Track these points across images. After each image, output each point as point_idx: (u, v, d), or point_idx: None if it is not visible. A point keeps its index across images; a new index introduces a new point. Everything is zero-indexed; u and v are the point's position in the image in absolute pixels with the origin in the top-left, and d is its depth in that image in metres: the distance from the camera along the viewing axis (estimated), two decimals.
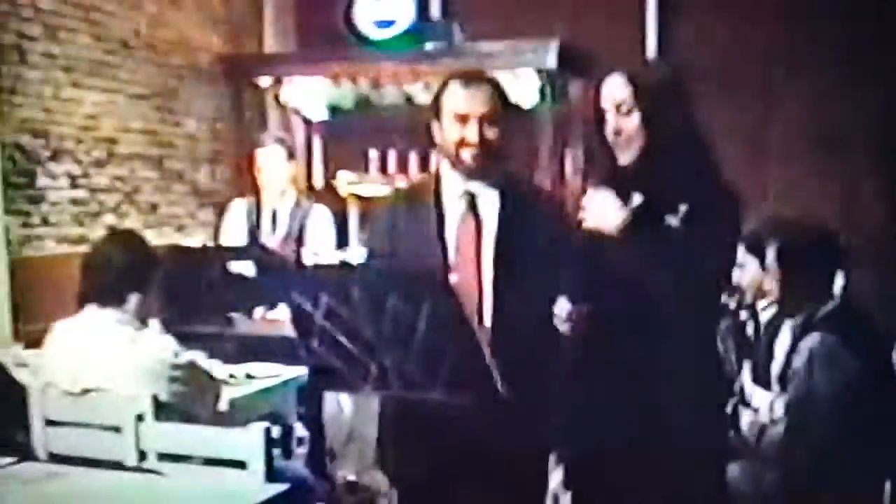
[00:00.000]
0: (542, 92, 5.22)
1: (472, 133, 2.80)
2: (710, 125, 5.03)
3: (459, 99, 2.82)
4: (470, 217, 2.84)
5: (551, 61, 5.25)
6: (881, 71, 4.71)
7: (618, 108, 2.62)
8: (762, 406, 3.27)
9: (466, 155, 2.81)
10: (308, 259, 4.65)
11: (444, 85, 2.88)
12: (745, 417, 3.27)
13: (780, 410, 3.19)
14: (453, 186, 2.87)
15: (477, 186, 2.85)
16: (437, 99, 2.89)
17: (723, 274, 2.82)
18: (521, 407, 2.50)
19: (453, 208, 2.86)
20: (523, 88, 5.19)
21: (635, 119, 2.61)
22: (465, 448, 2.69)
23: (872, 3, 4.91)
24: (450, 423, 2.59)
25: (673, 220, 2.60)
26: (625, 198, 2.65)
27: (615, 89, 2.63)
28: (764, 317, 3.58)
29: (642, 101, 2.59)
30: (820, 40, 5.16)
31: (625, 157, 2.63)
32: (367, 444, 4.04)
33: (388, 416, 2.85)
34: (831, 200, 4.79)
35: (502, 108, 2.84)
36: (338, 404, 4.36)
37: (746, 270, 3.55)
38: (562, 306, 2.63)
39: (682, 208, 2.59)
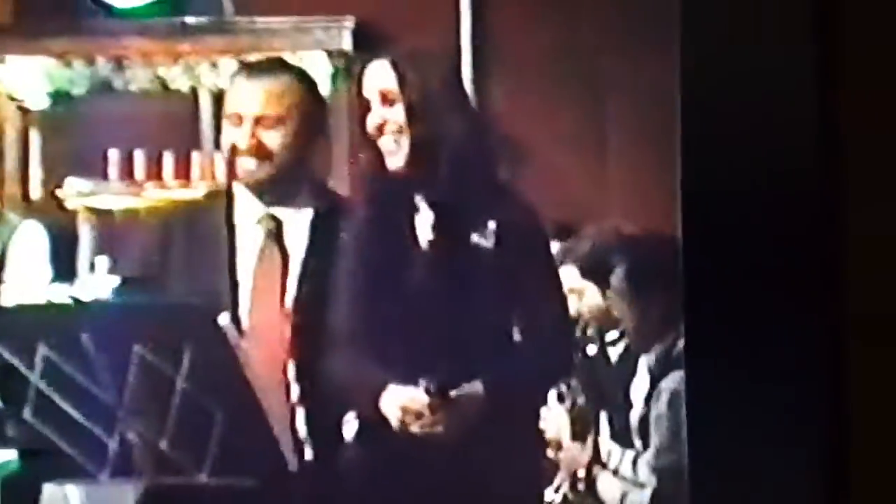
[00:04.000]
0: (334, 79, 5.21)
1: (243, 137, 2.72)
2: (531, 126, 4.89)
3: (238, 92, 2.80)
4: (273, 250, 2.76)
5: (346, 42, 5.30)
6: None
7: (383, 97, 2.64)
8: (623, 467, 3.20)
9: (241, 167, 2.74)
10: (11, 296, 4.32)
11: (231, 78, 2.93)
12: (604, 481, 3.18)
13: (644, 472, 3.10)
14: (248, 208, 2.79)
15: (282, 211, 2.78)
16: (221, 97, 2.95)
17: (552, 302, 2.83)
18: (321, 485, 2.50)
19: (249, 236, 2.78)
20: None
21: (399, 111, 2.63)
22: None
23: None
24: None
25: (482, 240, 2.63)
26: (405, 208, 2.69)
27: (379, 75, 2.66)
28: (614, 353, 3.52)
29: (411, 91, 2.63)
30: (657, 19, 5.18)
31: (395, 160, 2.64)
32: None
33: None
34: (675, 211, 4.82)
35: (302, 107, 2.77)
36: (63, 499, 4.01)
37: (586, 298, 3.49)
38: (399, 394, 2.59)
39: (491, 225, 2.62)
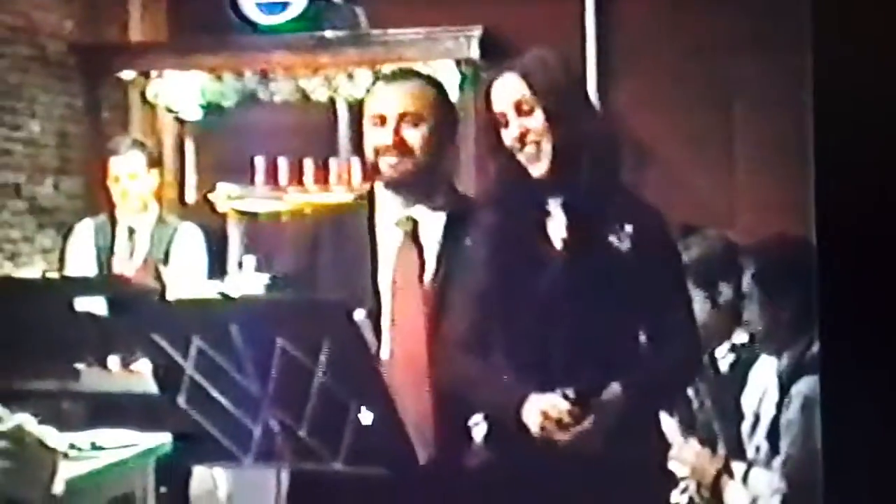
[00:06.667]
0: (461, 86, 5.23)
1: (386, 135, 2.75)
2: (656, 127, 4.79)
3: (379, 97, 2.83)
4: (411, 251, 2.77)
5: (474, 50, 5.30)
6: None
7: (518, 108, 2.60)
8: (749, 475, 3.06)
9: (384, 164, 2.76)
10: (174, 291, 4.47)
11: (370, 88, 2.96)
12: (731, 489, 3.06)
13: (759, 486, 2.98)
14: (389, 210, 2.81)
15: (419, 211, 2.79)
16: (361, 105, 2.90)
17: (679, 306, 2.78)
18: (448, 482, 2.48)
19: (389, 237, 2.80)
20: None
21: (539, 118, 2.59)
22: None
23: None
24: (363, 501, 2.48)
25: (619, 242, 2.60)
26: (538, 212, 2.66)
27: (511, 88, 2.62)
28: (724, 364, 3.41)
29: (544, 97, 2.60)
30: (786, 20, 5.05)
31: (538, 168, 2.61)
32: None
33: (289, 494, 2.66)
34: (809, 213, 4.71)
35: (437, 109, 2.79)
36: (212, 481, 4.13)
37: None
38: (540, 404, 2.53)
39: (628, 228, 2.60)
